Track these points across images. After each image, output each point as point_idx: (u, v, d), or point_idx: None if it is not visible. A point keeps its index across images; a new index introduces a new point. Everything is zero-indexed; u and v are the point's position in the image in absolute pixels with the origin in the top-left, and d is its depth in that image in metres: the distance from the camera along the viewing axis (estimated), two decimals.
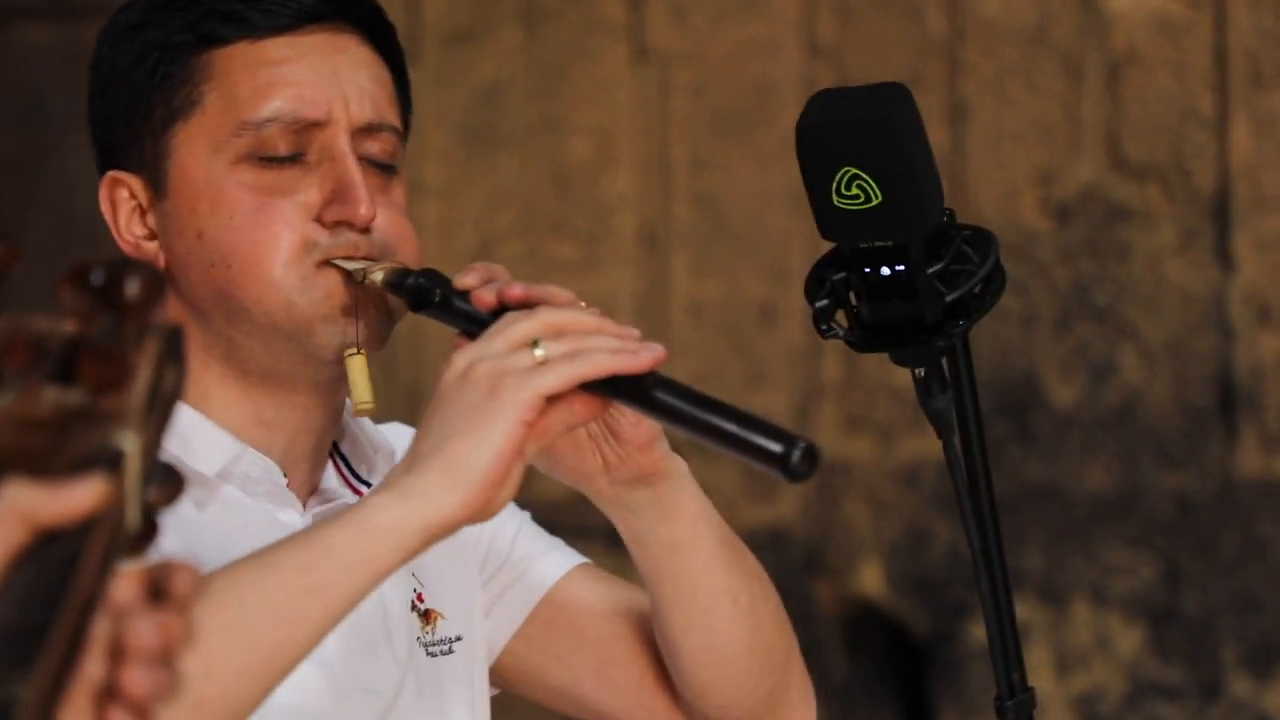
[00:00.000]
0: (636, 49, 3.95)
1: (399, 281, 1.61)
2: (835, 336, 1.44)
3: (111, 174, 1.69)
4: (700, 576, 1.65)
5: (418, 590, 1.72)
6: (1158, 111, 3.77)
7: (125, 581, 0.91)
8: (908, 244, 1.41)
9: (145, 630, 0.90)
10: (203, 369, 1.67)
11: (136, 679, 0.90)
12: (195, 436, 1.65)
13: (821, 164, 1.40)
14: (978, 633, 3.77)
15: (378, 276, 1.61)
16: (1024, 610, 3.76)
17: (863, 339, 1.45)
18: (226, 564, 1.47)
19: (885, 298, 1.42)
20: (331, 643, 1.52)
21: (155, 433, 0.90)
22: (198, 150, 1.65)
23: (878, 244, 1.41)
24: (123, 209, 1.69)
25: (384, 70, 1.70)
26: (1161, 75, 3.79)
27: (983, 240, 1.44)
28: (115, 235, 1.69)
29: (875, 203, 1.39)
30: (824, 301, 1.43)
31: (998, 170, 3.84)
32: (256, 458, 1.66)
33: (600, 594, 1.76)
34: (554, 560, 1.78)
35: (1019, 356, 3.83)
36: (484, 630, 1.75)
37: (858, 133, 1.39)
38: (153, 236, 1.68)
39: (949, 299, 1.42)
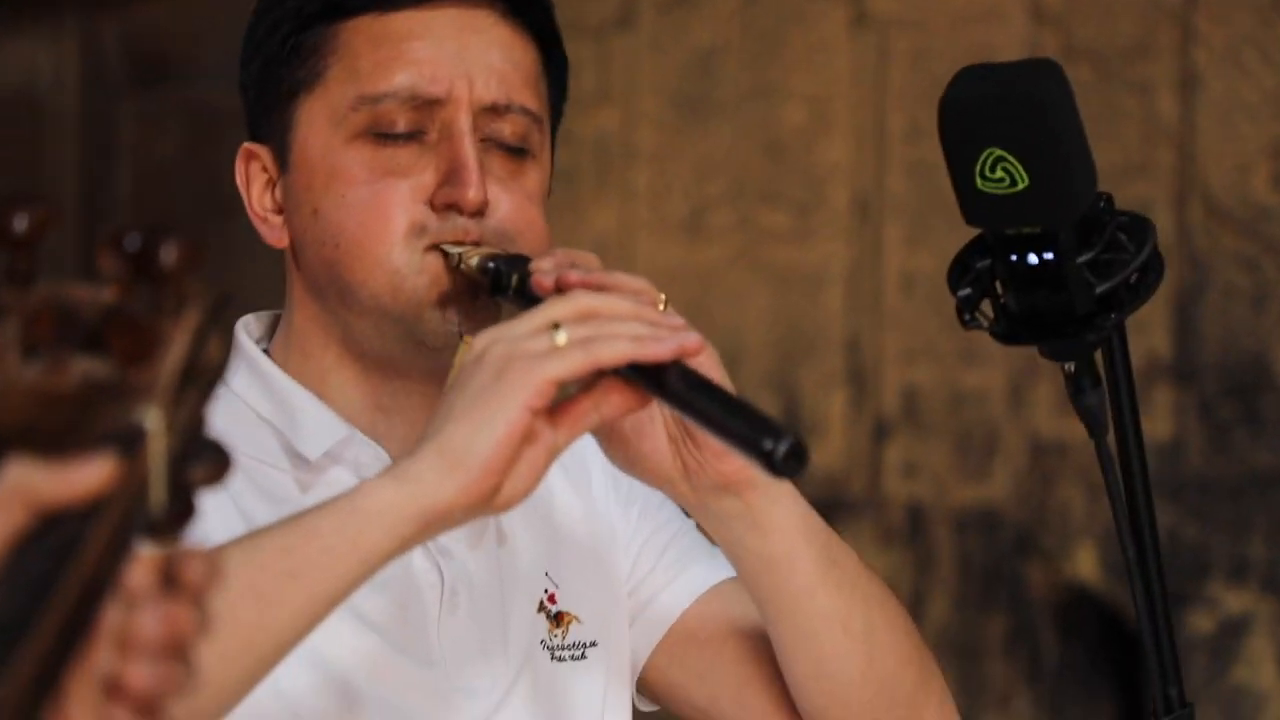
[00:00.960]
0: (855, 14, 3.87)
1: (486, 265, 1.56)
2: (979, 327, 1.35)
3: (246, 145, 1.67)
4: (801, 598, 1.56)
5: (550, 591, 1.67)
6: None
7: (141, 567, 0.86)
8: (1056, 230, 1.32)
9: (150, 621, 0.85)
10: (322, 349, 1.63)
11: (140, 672, 0.85)
12: (304, 418, 1.62)
13: (964, 144, 1.32)
14: (1194, 621, 3.65)
15: (473, 260, 1.57)
16: (1246, 600, 3.63)
17: (1008, 330, 1.36)
18: (220, 542, 1.42)
19: (1032, 287, 1.34)
20: (437, 641, 1.47)
21: (194, 408, 0.85)
22: (318, 124, 1.61)
23: (1024, 230, 1.32)
24: (255, 181, 1.66)
25: (526, 50, 1.64)
26: None
27: (1140, 227, 1.34)
28: (248, 207, 1.67)
29: (1021, 186, 1.31)
30: (967, 290, 1.34)
31: (1229, 143, 3.70)
32: (365, 443, 1.62)
33: (743, 610, 1.68)
34: (701, 573, 1.71)
35: (1248, 337, 3.69)
36: (628, 639, 1.69)
37: (1003, 111, 1.31)
38: (280, 210, 1.65)
39: (1100, 290, 1.33)
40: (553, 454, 1.42)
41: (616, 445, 1.53)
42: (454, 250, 1.58)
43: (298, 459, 1.61)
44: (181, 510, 0.87)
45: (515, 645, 1.63)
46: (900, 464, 3.84)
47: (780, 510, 1.54)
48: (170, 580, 0.87)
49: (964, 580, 3.81)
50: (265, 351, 1.67)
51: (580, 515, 1.72)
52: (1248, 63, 3.70)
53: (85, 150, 3.85)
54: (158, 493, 0.86)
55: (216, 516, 1.55)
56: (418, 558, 1.60)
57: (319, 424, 1.61)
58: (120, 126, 3.90)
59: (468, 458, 1.38)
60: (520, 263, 1.55)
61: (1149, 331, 3.73)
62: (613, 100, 3.93)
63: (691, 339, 1.43)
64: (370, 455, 1.61)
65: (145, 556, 0.87)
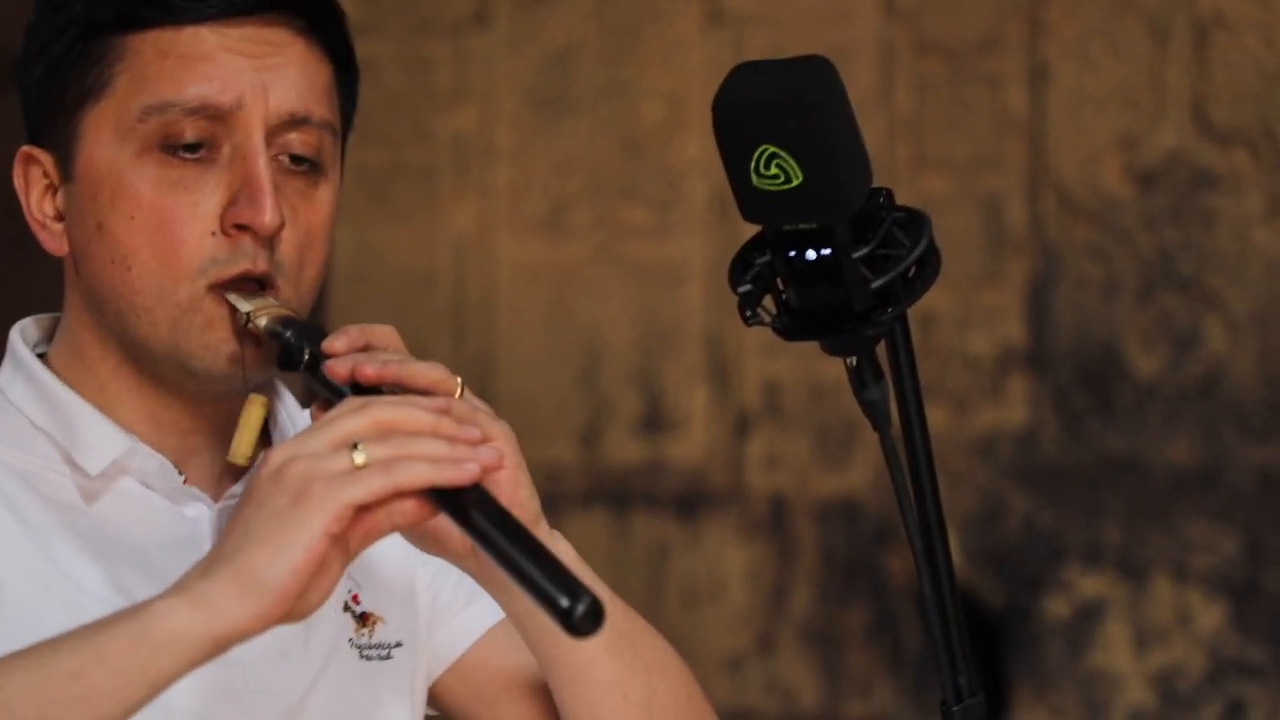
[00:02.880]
0: (710, 11, 3.89)
1: (278, 333, 1.54)
2: (761, 323, 1.37)
3: (26, 148, 1.63)
4: (585, 667, 1.58)
5: (353, 591, 1.66)
6: (1245, 76, 3.66)
7: None
8: (832, 226, 1.34)
9: None
10: (100, 359, 1.61)
11: None
12: (84, 430, 1.59)
13: (738, 142, 1.34)
14: (1054, 608, 3.70)
15: (261, 322, 1.54)
16: (1101, 585, 3.68)
17: (790, 326, 1.38)
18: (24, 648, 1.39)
19: (811, 283, 1.36)
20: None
21: None
22: (104, 136, 1.58)
23: (801, 226, 1.34)
24: (35, 185, 1.62)
25: (320, 64, 1.61)
26: (1250, 39, 3.67)
27: (915, 222, 1.36)
28: (25, 211, 1.63)
29: (796, 183, 1.33)
30: (748, 286, 1.36)
31: (1079, 135, 3.75)
32: (149, 454, 1.60)
33: (511, 662, 1.70)
34: (477, 612, 1.71)
35: (1100, 326, 3.74)
36: (426, 646, 1.70)
37: (774, 109, 1.33)
38: (60, 217, 1.62)
39: (875, 285, 1.35)
40: (344, 567, 1.42)
41: (410, 533, 1.51)
42: (243, 307, 1.56)
43: (80, 469, 1.60)
44: None
45: (318, 643, 1.63)
46: (762, 457, 3.87)
47: None
48: None
49: (826, 571, 3.84)
50: (42, 357, 1.65)
51: None
52: (1096, 55, 3.75)
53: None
54: None
55: (3, 533, 1.55)
56: None
57: (100, 437, 1.59)
58: None
59: (264, 584, 1.38)
60: (313, 334, 1.53)
61: (1004, 321, 3.77)
62: (470, 98, 3.94)
63: (489, 456, 1.42)
64: (155, 465, 1.60)
65: None
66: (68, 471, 1.60)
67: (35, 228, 1.63)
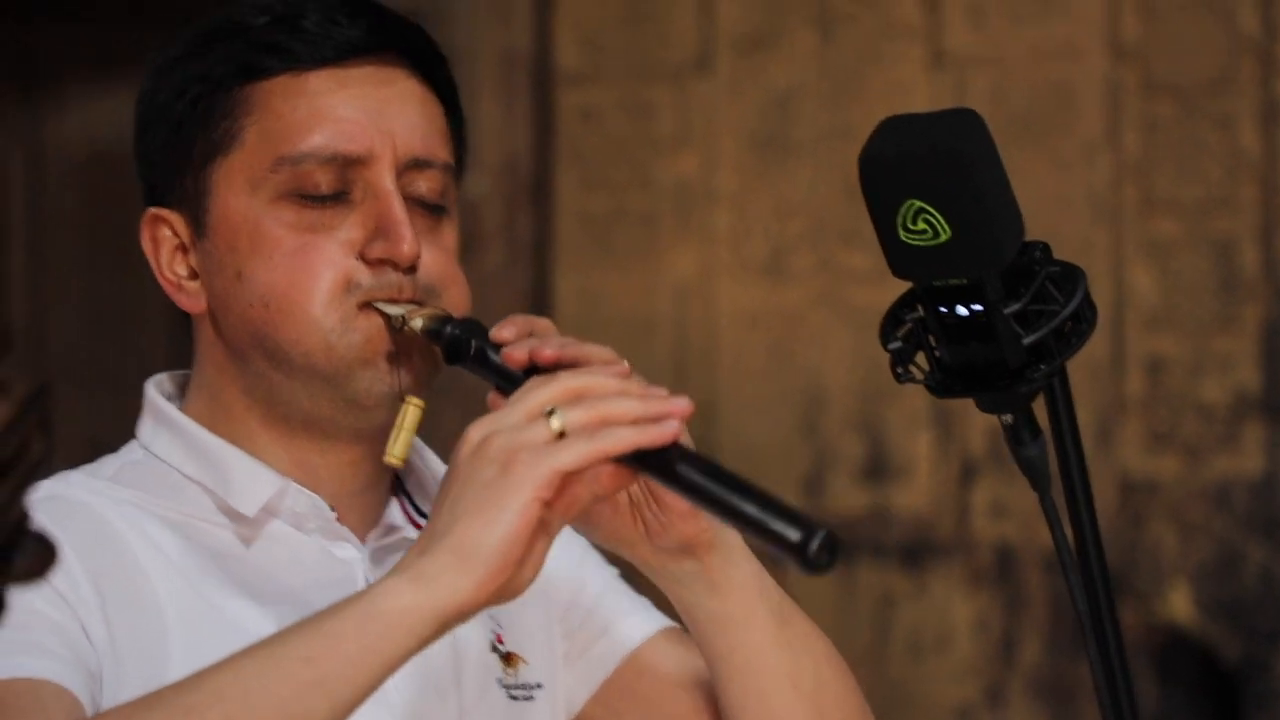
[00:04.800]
0: (932, 53, 3.85)
1: (438, 330, 1.55)
2: (913, 381, 1.34)
3: (153, 211, 1.63)
4: (755, 656, 1.57)
5: (496, 632, 1.66)
6: None
7: None
8: (983, 282, 1.31)
9: None
10: (245, 412, 1.62)
11: None
12: (235, 474, 1.60)
13: (884, 197, 1.31)
14: None
15: (418, 323, 1.55)
16: None
17: (943, 383, 1.34)
18: (231, 653, 1.41)
19: (963, 339, 1.32)
20: (392, 681, 1.47)
21: (4, 501, 0.85)
22: (237, 187, 1.59)
23: (951, 282, 1.31)
24: (164, 247, 1.63)
25: (435, 105, 1.63)
26: None
27: (1070, 277, 1.32)
28: (157, 274, 1.64)
29: (944, 238, 1.29)
30: (897, 344, 1.33)
31: None
32: (300, 493, 1.61)
33: (680, 662, 1.68)
34: (638, 622, 1.70)
35: None
36: (564, 683, 1.69)
37: (921, 164, 1.29)
38: (194, 276, 1.63)
39: (1028, 341, 1.31)
40: (552, 539, 1.42)
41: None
42: (394, 311, 1.57)
43: (234, 515, 1.61)
44: None
45: (469, 683, 1.63)
46: (988, 504, 3.80)
47: (737, 571, 1.55)
48: None
49: (1056, 621, 3.76)
50: (181, 411, 1.65)
51: None
52: None
53: None
54: None
55: (166, 586, 1.56)
56: None
57: (251, 478, 1.60)
58: None
59: (482, 554, 1.38)
60: (474, 327, 1.54)
61: (1238, 366, 3.67)
62: (692, 144, 3.93)
63: (683, 407, 1.43)
64: (307, 504, 1.61)
65: None
66: (223, 520, 1.61)
67: (169, 289, 1.64)
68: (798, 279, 3.90)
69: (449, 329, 1.54)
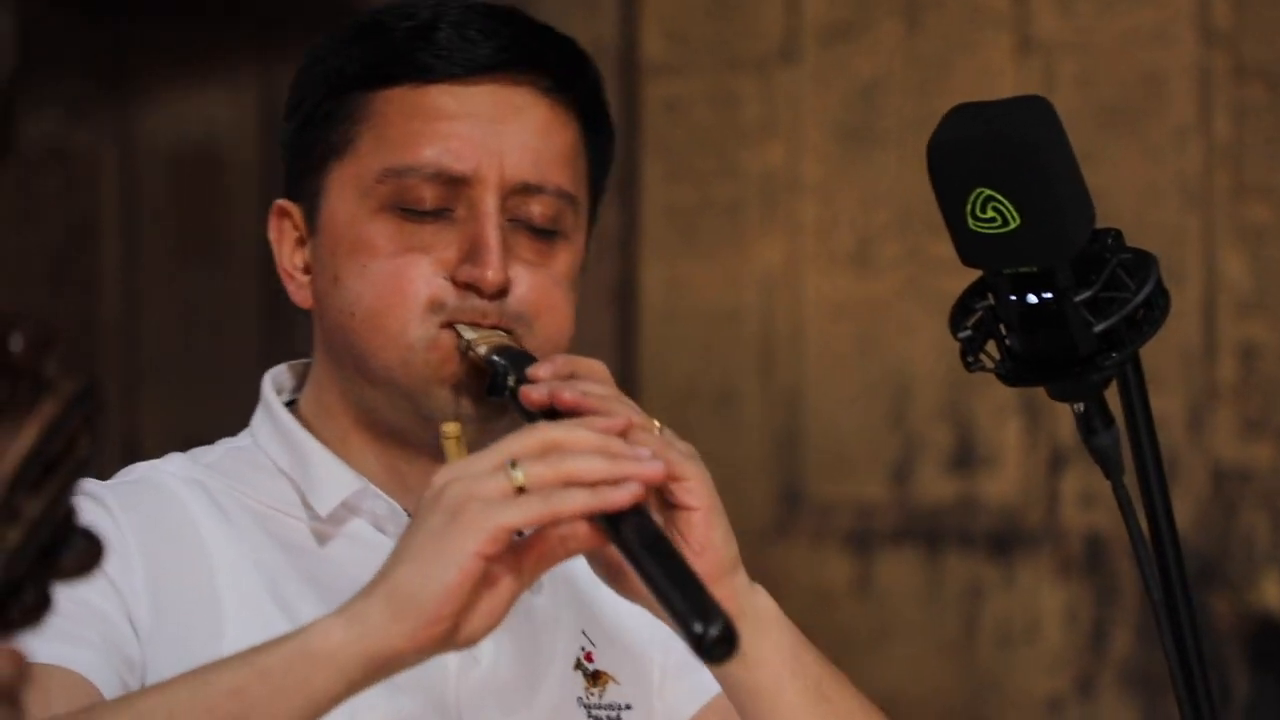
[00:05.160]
0: (1020, 39, 3.82)
1: (493, 362, 1.54)
2: (983, 369, 1.33)
3: (280, 202, 1.67)
4: None
5: (586, 649, 1.66)
6: None
7: None
8: (1053, 270, 1.30)
9: None
10: (341, 412, 1.64)
11: None
12: (319, 473, 1.62)
13: (953, 185, 1.30)
14: None
15: (482, 350, 1.55)
16: None
17: (1013, 372, 1.34)
18: (163, 679, 1.40)
19: (1034, 327, 1.31)
20: (455, 697, 1.47)
21: (51, 499, 0.85)
22: (346, 192, 1.61)
23: (1021, 270, 1.30)
24: (287, 238, 1.66)
25: (565, 128, 1.61)
26: None
27: (1143, 263, 1.31)
28: (278, 263, 1.67)
29: (1013, 226, 1.28)
30: (967, 332, 1.32)
31: None
32: (379, 496, 1.62)
33: None
34: (704, 680, 1.68)
35: None
36: (660, 709, 1.68)
37: (989, 151, 1.28)
38: (308, 270, 1.65)
39: (1099, 328, 1.30)
40: (515, 594, 1.39)
41: (597, 562, 1.51)
42: (467, 335, 1.56)
43: (315, 511, 1.63)
44: (23, 606, 0.86)
45: (543, 701, 1.62)
46: (1078, 494, 3.78)
47: (768, 643, 1.52)
48: None
49: (1147, 612, 3.73)
50: (293, 403, 1.68)
51: None
52: None
53: (266, 203, 3.93)
54: None
55: (229, 576, 1.58)
56: None
57: (332, 478, 1.62)
58: None
59: (416, 604, 1.36)
60: (525, 363, 1.52)
61: None
62: (777, 133, 3.93)
63: (651, 469, 1.39)
64: (385, 508, 1.62)
65: None
66: (303, 515, 1.63)
67: (285, 280, 1.66)
68: (885, 268, 3.89)
69: (498, 360, 1.53)
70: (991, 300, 1.34)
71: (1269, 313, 3.69)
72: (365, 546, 1.62)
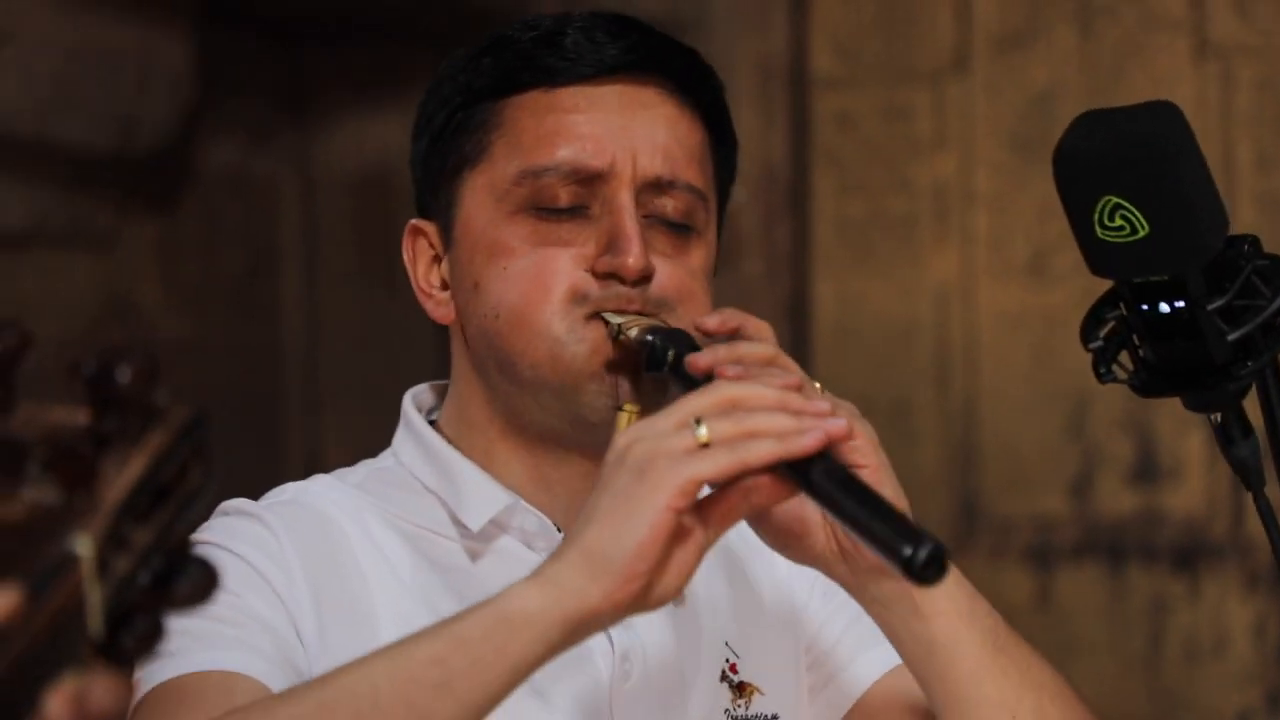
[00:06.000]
0: (1197, 43, 3.77)
1: (646, 341, 1.54)
2: (1115, 380, 1.31)
3: (414, 222, 1.68)
4: (968, 683, 1.52)
5: (731, 660, 1.65)
6: None
7: (58, 698, 0.84)
8: (1185, 278, 1.27)
9: None
10: (487, 423, 1.64)
11: None
12: (468, 489, 1.63)
13: (1080, 193, 1.28)
14: None
15: (633, 332, 1.55)
16: None
17: (1148, 382, 1.31)
18: (366, 653, 1.41)
19: (1167, 337, 1.28)
20: (610, 712, 1.47)
21: (162, 528, 0.86)
22: (482, 199, 1.62)
23: (1152, 279, 1.28)
24: (422, 257, 1.67)
25: (693, 128, 1.63)
26: None
27: (1277, 270, 1.28)
28: (414, 283, 1.68)
29: (1142, 234, 1.26)
30: (1099, 343, 1.30)
31: None
32: (529, 511, 1.62)
33: (917, 695, 1.64)
34: (878, 656, 1.68)
35: None
36: (809, 713, 1.67)
37: (1116, 158, 1.26)
38: (445, 286, 1.66)
39: (1233, 337, 1.27)
40: (703, 550, 1.40)
41: (768, 528, 1.51)
42: (615, 320, 1.57)
43: (465, 529, 1.63)
44: (135, 634, 0.87)
45: (694, 713, 1.62)
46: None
47: (942, 594, 1.51)
48: (83, 708, 0.84)
49: None
50: (434, 422, 1.69)
51: (763, 586, 1.71)
52: None
53: None
54: (94, 619, 0.85)
55: (385, 596, 1.59)
56: None
57: (481, 494, 1.62)
58: None
59: (612, 561, 1.36)
60: (679, 338, 1.54)
61: None
62: (949, 145, 3.90)
63: (838, 426, 1.39)
64: (535, 524, 1.62)
65: (63, 685, 0.84)
66: (454, 534, 1.63)
67: (422, 298, 1.67)
68: (1059, 279, 3.84)
69: (653, 337, 1.54)
70: (1123, 310, 1.31)
71: None
72: (516, 563, 1.63)
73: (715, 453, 1.37)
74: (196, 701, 1.47)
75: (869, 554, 1.48)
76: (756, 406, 1.39)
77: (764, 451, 1.37)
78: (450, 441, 1.66)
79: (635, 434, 1.40)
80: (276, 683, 1.50)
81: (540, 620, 1.37)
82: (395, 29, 4.14)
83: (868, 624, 1.67)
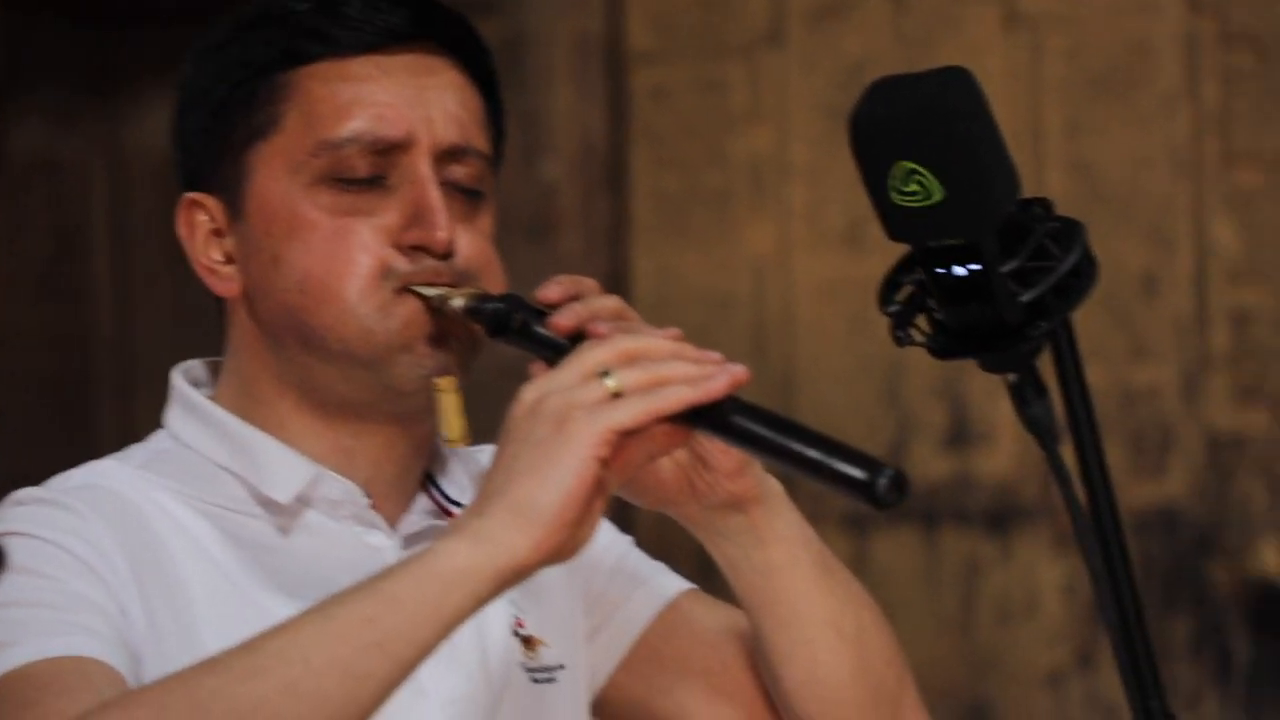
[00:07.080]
0: (1007, 13, 3.82)
1: (478, 307, 1.55)
2: (913, 343, 1.33)
3: (189, 195, 1.64)
4: (800, 603, 1.59)
5: (517, 617, 1.66)
6: None
7: None
8: (979, 241, 1.30)
9: None
10: (278, 397, 1.62)
11: None
12: (269, 462, 1.61)
13: (875, 159, 1.30)
14: None
15: (458, 303, 1.56)
16: None
17: (944, 345, 1.34)
18: (284, 620, 1.41)
19: (962, 300, 1.31)
20: (425, 668, 1.47)
21: None
22: (276, 171, 1.60)
23: (946, 242, 1.30)
24: (199, 232, 1.63)
25: (474, 94, 1.64)
26: None
27: (1070, 232, 1.31)
28: (191, 259, 1.64)
29: (936, 199, 1.28)
30: (896, 307, 1.32)
31: None
32: (335, 479, 1.61)
33: (706, 621, 1.69)
34: (657, 587, 1.71)
35: None
36: (586, 659, 1.69)
37: (908, 124, 1.28)
38: (229, 260, 1.63)
39: (1025, 299, 1.30)
40: (607, 499, 1.43)
41: (631, 484, 1.54)
42: (431, 293, 1.57)
43: (269, 504, 1.61)
44: None
45: (495, 667, 1.63)
46: (1074, 466, 3.77)
47: (782, 522, 1.58)
48: None
49: (1146, 582, 3.73)
50: (211, 399, 1.66)
51: None
52: None
53: None
54: None
55: (199, 577, 1.57)
56: None
57: (285, 466, 1.61)
58: None
59: (539, 512, 1.39)
60: (516, 301, 1.55)
61: None
62: (765, 118, 3.92)
63: (740, 369, 1.43)
64: (341, 491, 1.61)
65: None
66: (257, 511, 1.61)
67: (202, 273, 1.64)
68: (875, 248, 3.87)
69: (489, 304, 1.55)
70: (920, 274, 1.34)
71: (1261, 279, 3.68)
72: (322, 538, 1.61)
73: (629, 401, 1.40)
74: (61, 690, 1.45)
75: (722, 490, 1.54)
76: (658, 356, 1.42)
77: (677, 398, 1.40)
78: (238, 417, 1.64)
79: (543, 387, 1.42)
80: (119, 667, 1.49)
81: (473, 575, 1.39)
82: (200, 10, 4.10)
83: (635, 559, 1.72)
